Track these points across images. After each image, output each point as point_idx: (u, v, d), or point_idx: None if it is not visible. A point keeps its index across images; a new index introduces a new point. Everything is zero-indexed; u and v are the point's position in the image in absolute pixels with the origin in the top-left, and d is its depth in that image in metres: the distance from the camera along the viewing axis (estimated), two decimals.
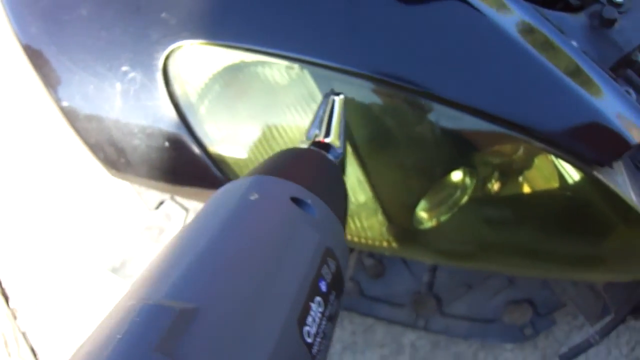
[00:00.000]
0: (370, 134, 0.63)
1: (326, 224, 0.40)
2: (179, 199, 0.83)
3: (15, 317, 1.25)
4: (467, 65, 0.60)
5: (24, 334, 1.23)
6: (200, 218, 0.37)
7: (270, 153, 0.67)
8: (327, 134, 0.57)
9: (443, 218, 0.67)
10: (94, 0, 0.70)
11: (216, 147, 0.68)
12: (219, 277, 0.30)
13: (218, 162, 0.69)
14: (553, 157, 0.62)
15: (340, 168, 0.55)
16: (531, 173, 0.66)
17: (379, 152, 0.64)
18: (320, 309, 0.34)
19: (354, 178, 0.65)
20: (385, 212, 0.66)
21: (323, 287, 0.35)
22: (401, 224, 0.67)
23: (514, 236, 0.71)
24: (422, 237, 0.68)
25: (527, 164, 0.65)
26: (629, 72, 0.73)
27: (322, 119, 0.58)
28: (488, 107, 0.60)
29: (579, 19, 0.72)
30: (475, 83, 0.60)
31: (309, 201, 0.40)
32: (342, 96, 0.60)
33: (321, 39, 0.62)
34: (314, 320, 0.33)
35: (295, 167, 0.47)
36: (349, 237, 0.70)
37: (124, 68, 0.68)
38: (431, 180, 0.64)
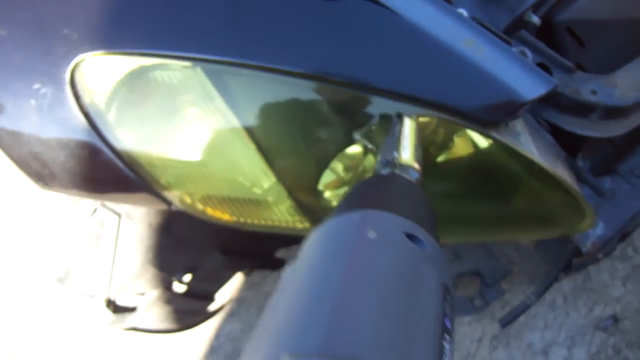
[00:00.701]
0: (264, 119, 0.65)
1: (438, 258, 0.39)
2: (110, 204, 0.86)
3: None
4: (349, 40, 0.62)
5: None
6: (318, 256, 0.36)
7: (178, 152, 0.69)
8: (404, 156, 0.56)
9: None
10: (8, 21, 0.73)
11: (128, 151, 0.70)
12: (369, 324, 0.30)
13: (132, 165, 0.71)
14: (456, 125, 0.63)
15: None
16: (441, 144, 0.67)
17: (274, 136, 0.66)
18: (449, 346, 0.34)
19: (255, 166, 0.67)
20: (292, 195, 0.68)
21: (448, 323, 0.35)
22: (310, 204, 0.69)
23: (462, 206, 0.73)
24: None
25: (434, 135, 0.66)
26: (523, 32, 0.74)
27: (397, 140, 0.57)
28: (376, 82, 0.61)
29: None
30: (358, 57, 0.61)
31: (421, 237, 0.39)
32: (414, 116, 0.61)
33: (206, 36, 0.64)
34: (447, 358, 0.32)
35: (397, 199, 0.47)
36: (256, 221, 0.72)
37: (36, 85, 0.71)
38: (326, 157, 0.66)
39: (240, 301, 1.21)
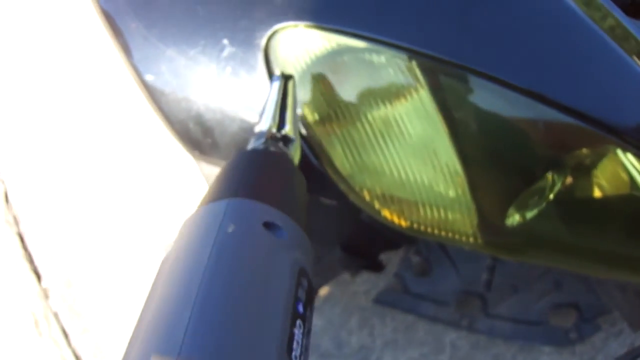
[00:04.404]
0: (477, 129, 0.63)
1: (296, 243, 0.41)
2: None
3: (47, 297, 1.20)
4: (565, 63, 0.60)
5: (55, 314, 1.18)
6: (184, 253, 0.38)
7: (366, 141, 0.66)
8: (282, 123, 0.57)
9: (530, 216, 0.67)
10: None
11: (309, 131, 0.67)
12: (221, 329, 0.32)
13: (310, 146, 0.67)
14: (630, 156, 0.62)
15: (297, 166, 0.55)
16: (609, 172, 0.66)
17: (483, 149, 0.64)
18: (301, 330, 0.36)
19: (445, 170, 0.64)
20: (478, 208, 0.66)
21: (300, 308, 0.37)
22: (491, 220, 0.67)
23: (589, 237, 0.72)
24: (506, 233, 0.68)
25: (604, 162, 0.65)
26: None
27: (275, 105, 0.58)
28: (586, 109, 0.60)
29: None
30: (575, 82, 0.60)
31: (280, 224, 0.41)
32: (294, 77, 0.60)
33: (433, 31, 0.62)
34: (298, 343, 0.35)
35: (264, 182, 0.47)
36: (428, 229, 0.69)
37: (224, 41, 0.66)
38: (530, 179, 0.64)
39: (326, 297, 1.18)
